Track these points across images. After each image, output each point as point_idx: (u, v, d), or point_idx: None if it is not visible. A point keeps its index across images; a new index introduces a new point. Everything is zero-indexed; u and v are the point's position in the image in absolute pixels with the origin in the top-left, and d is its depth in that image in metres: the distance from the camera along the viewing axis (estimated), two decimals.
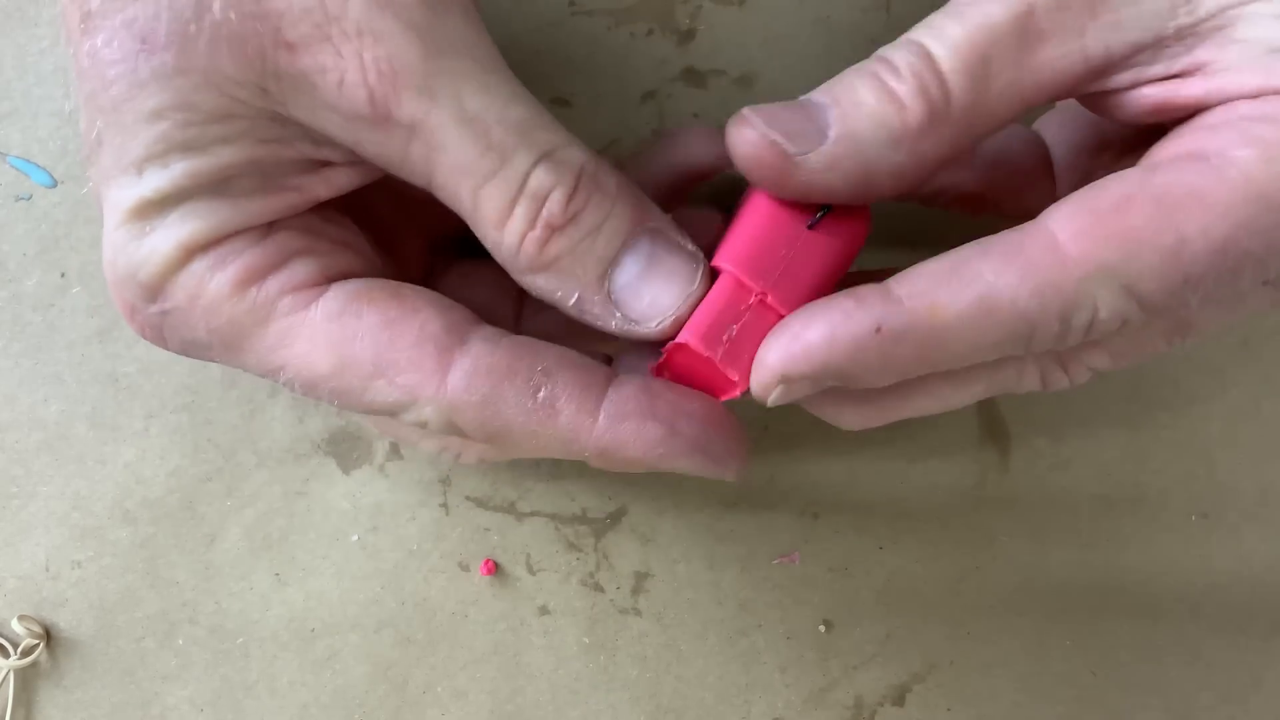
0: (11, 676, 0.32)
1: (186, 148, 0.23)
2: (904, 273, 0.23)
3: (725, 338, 0.25)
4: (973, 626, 0.34)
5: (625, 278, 0.25)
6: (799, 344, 0.23)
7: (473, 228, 0.24)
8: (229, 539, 0.33)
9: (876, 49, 0.24)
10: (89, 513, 0.33)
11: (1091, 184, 0.23)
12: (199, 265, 0.23)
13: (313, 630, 0.33)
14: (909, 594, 0.34)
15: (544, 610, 0.33)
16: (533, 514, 0.34)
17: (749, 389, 0.24)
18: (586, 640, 0.33)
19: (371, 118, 0.22)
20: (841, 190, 0.23)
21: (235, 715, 0.33)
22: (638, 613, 0.33)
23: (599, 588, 0.34)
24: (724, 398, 0.25)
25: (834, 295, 0.24)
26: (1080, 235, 0.22)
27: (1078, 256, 0.22)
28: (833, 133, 0.23)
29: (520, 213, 0.23)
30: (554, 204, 0.23)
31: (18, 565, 0.33)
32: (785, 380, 0.23)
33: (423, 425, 0.24)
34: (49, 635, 0.33)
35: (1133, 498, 0.34)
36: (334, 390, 0.24)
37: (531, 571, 0.33)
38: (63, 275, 0.33)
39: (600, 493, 0.34)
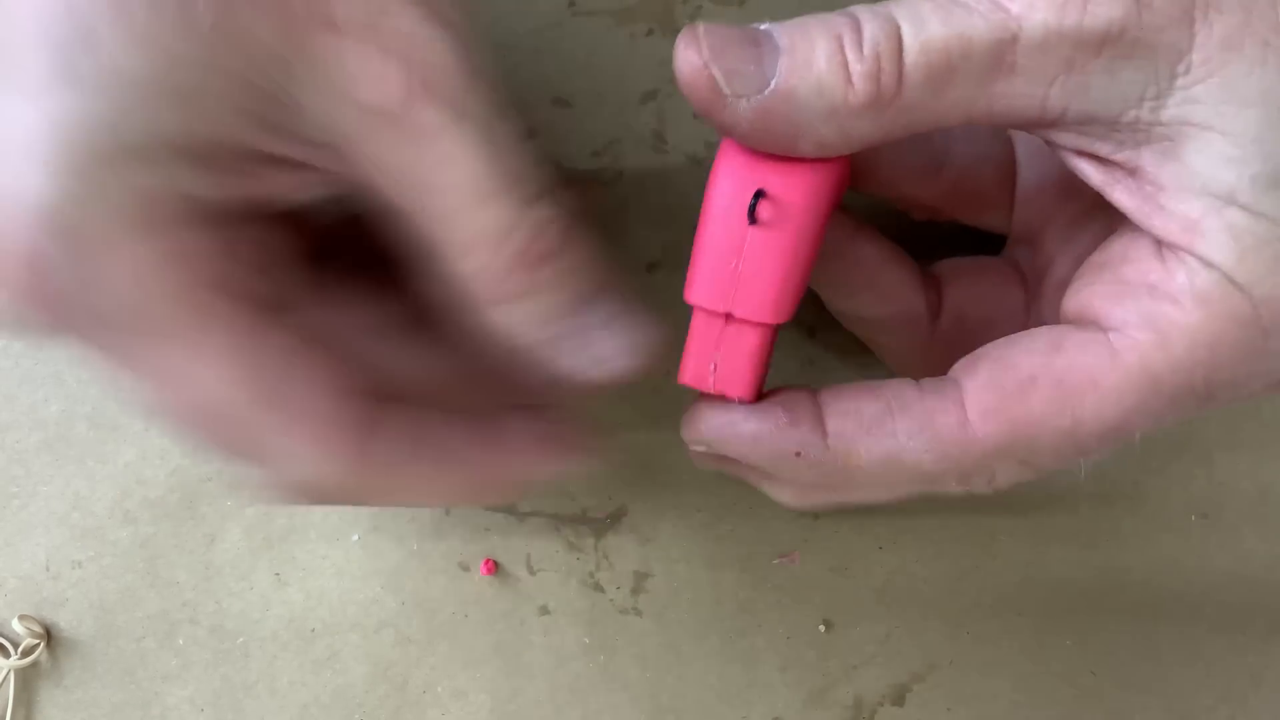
0: (12, 676, 0.32)
1: (181, 98, 0.20)
2: (839, 402, 0.25)
3: (713, 366, 0.26)
4: (972, 626, 0.34)
5: (597, 318, 0.25)
6: (729, 431, 0.26)
7: (442, 249, 0.23)
8: (229, 539, 0.33)
9: None
10: (89, 513, 0.33)
11: (1005, 347, 0.25)
12: (149, 229, 0.21)
13: (313, 630, 0.33)
14: (909, 594, 0.34)
15: (544, 610, 0.33)
16: (533, 514, 0.34)
17: (756, 396, 0.26)
18: (586, 640, 0.33)
19: (396, 115, 0.22)
20: (760, 140, 0.23)
21: (235, 715, 0.33)
22: (638, 613, 0.34)
23: (599, 588, 0.34)
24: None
25: (776, 399, 0.26)
26: (987, 415, 0.24)
27: (982, 437, 0.24)
28: (773, 84, 0.23)
29: (521, 234, 0.23)
30: (554, 231, 0.23)
31: (18, 565, 0.33)
32: (710, 449, 0.26)
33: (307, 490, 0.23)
34: (49, 635, 0.33)
35: (1132, 497, 0.34)
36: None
37: (531, 571, 0.33)
38: None
39: (600, 493, 0.34)
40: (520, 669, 0.33)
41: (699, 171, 0.33)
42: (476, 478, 0.25)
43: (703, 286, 0.25)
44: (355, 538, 0.33)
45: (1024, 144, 0.30)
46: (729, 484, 0.34)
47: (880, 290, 0.30)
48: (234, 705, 0.33)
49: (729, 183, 0.24)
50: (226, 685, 0.33)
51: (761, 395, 0.26)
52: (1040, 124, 0.23)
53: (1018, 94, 0.22)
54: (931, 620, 0.34)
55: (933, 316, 0.30)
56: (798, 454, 0.25)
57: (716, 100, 0.23)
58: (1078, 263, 0.27)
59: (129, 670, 0.33)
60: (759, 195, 0.24)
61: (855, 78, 0.22)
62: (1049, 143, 0.24)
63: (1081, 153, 0.24)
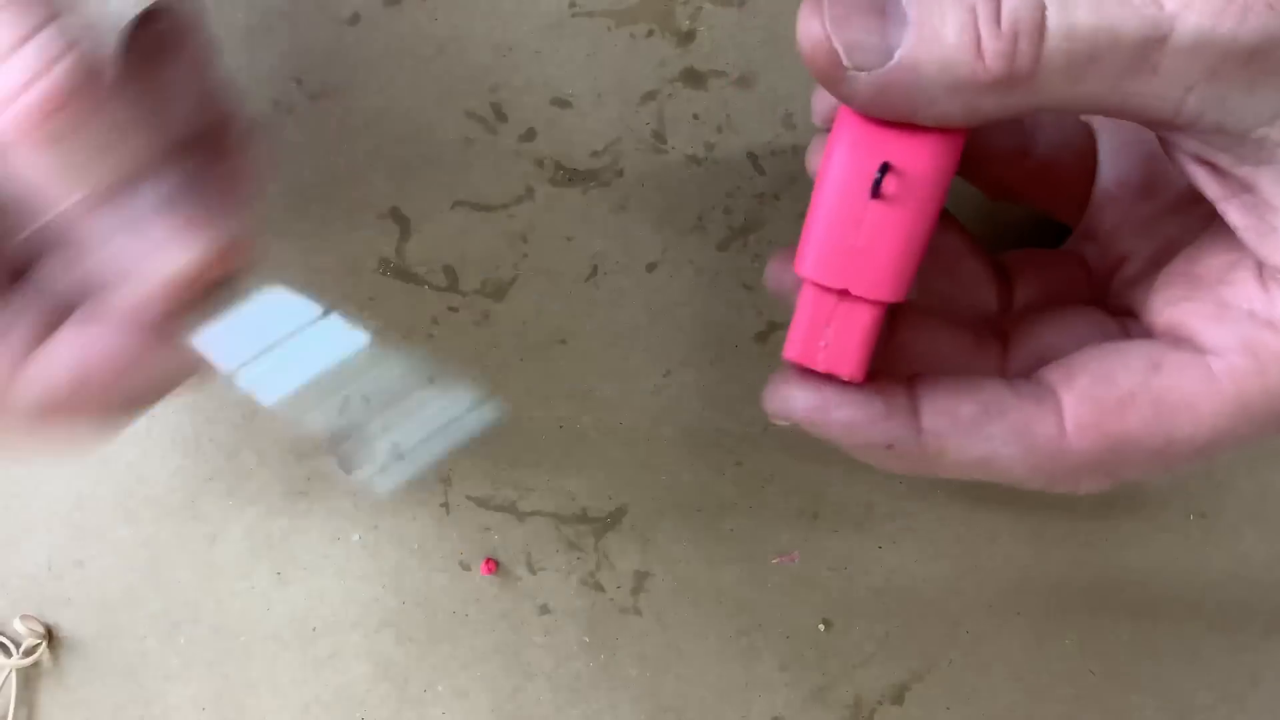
0: (14, 676, 0.33)
1: None
2: (936, 399, 0.25)
3: (823, 344, 0.25)
4: (971, 625, 0.34)
5: (139, 207, 0.22)
6: (823, 416, 0.25)
7: None
8: (231, 538, 0.33)
9: None
10: (91, 512, 0.33)
11: (1102, 360, 0.25)
12: None
13: (314, 629, 0.33)
14: (908, 593, 0.34)
15: (544, 609, 0.33)
16: (533, 513, 0.34)
17: (863, 375, 0.25)
18: (586, 639, 0.33)
19: None
20: (878, 112, 0.23)
21: (237, 714, 0.33)
22: (638, 612, 0.34)
23: (599, 587, 0.34)
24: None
25: (874, 388, 0.25)
26: (1084, 429, 0.24)
27: (1077, 450, 0.24)
28: (897, 55, 0.22)
29: (33, 52, 0.20)
30: (74, 66, 0.20)
31: (20, 565, 0.33)
32: (797, 426, 0.25)
33: None
34: (51, 634, 0.33)
35: (1131, 497, 0.34)
36: None
37: (532, 571, 0.34)
38: None
39: (600, 493, 0.34)
40: (520, 668, 0.33)
41: (699, 171, 0.33)
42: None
43: (819, 261, 0.24)
44: (356, 538, 0.33)
45: (1106, 139, 0.30)
46: (729, 484, 0.34)
47: (956, 279, 0.29)
48: (235, 704, 0.33)
49: (851, 153, 0.23)
50: (228, 684, 0.33)
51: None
52: (1168, 126, 0.23)
53: (1154, 94, 0.22)
54: (931, 620, 0.34)
55: (1003, 309, 0.30)
56: (889, 446, 0.25)
57: (836, 72, 0.22)
58: (1151, 263, 0.27)
59: (131, 669, 0.33)
60: (885, 169, 0.23)
61: (988, 55, 0.21)
62: (1166, 143, 0.24)
63: (1201, 160, 0.23)
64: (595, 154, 0.33)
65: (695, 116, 0.33)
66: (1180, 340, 0.25)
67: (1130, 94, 0.22)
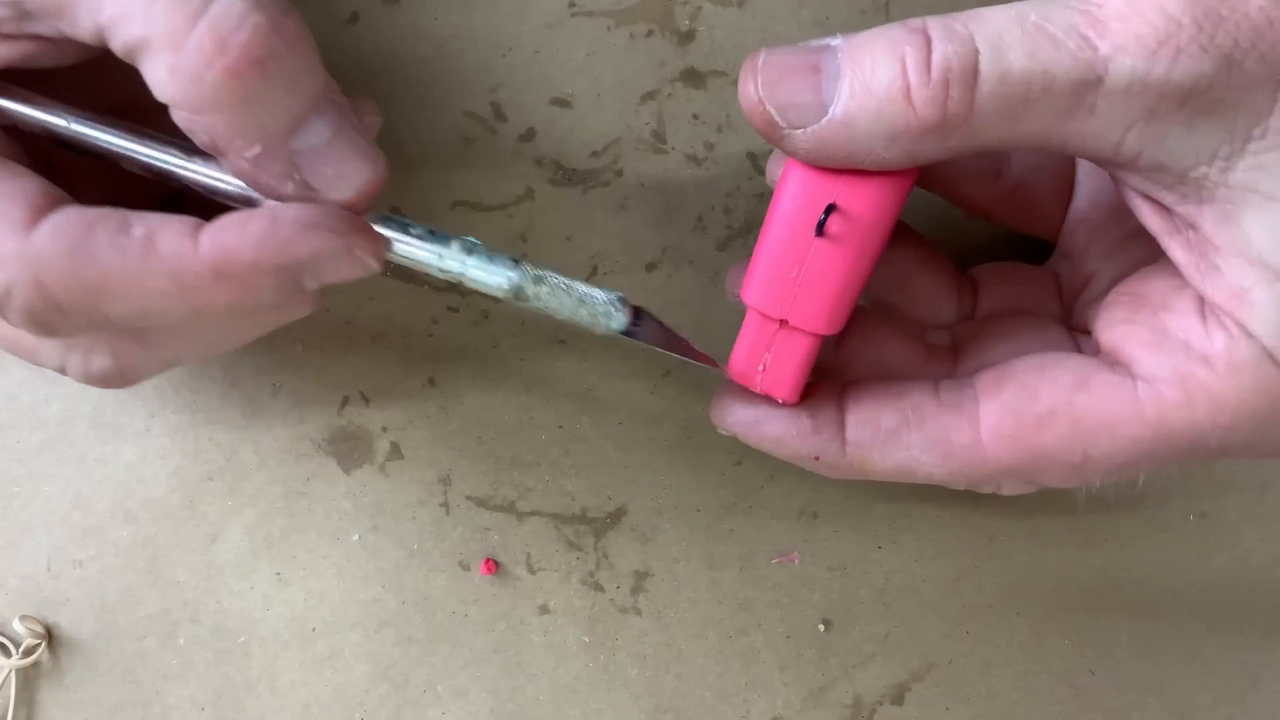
0: (13, 676, 0.33)
1: None
2: (861, 410, 0.26)
3: (761, 366, 0.26)
4: (971, 625, 0.34)
5: (311, 141, 0.23)
6: (754, 430, 0.27)
7: (138, 58, 0.22)
8: (230, 538, 0.33)
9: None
10: (90, 512, 0.33)
11: (1031, 372, 0.25)
12: None
13: (314, 629, 0.33)
14: (908, 593, 0.34)
15: (544, 609, 0.33)
16: (533, 513, 0.34)
17: (797, 399, 0.27)
18: (586, 639, 0.33)
19: None
20: (819, 162, 0.23)
21: (236, 714, 0.33)
22: (638, 612, 0.34)
23: (599, 587, 0.34)
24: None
25: (803, 405, 0.27)
26: (1000, 440, 0.25)
27: (992, 459, 0.25)
28: (831, 110, 0.22)
29: (205, 31, 0.21)
30: (251, 32, 0.22)
31: (19, 565, 0.33)
32: (735, 437, 0.28)
33: (5, 304, 0.23)
34: (51, 635, 0.33)
35: (1131, 497, 0.34)
36: None
37: (531, 571, 0.34)
38: None
39: (600, 493, 0.34)
40: (520, 668, 0.33)
41: (699, 171, 0.33)
42: (219, 263, 0.23)
43: (761, 291, 0.25)
44: (356, 538, 0.33)
45: (1084, 161, 0.30)
46: (729, 484, 0.34)
47: (911, 293, 0.30)
48: (235, 704, 0.33)
49: (800, 191, 0.24)
50: (227, 684, 0.33)
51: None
52: (1110, 163, 0.23)
53: (1093, 133, 0.22)
54: (931, 620, 0.34)
55: (964, 318, 0.30)
56: (817, 459, 0.27)
57: (774, 132, 0.23)
58: (1112, 285, 0.28)
59: (130, 670, 0.33)
60: (830, 209, 0.24)
61: (918, 103, 0.22)
62: (1114, 179, 0.24)
63: (1145, 196, 0.24)
64: (595, 154, 0.33)
65: (695, 116, 0.33)
66: (1115, 362, 0.25)
67: (1070, 133, 0.22)
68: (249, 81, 0.22)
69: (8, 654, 0.33)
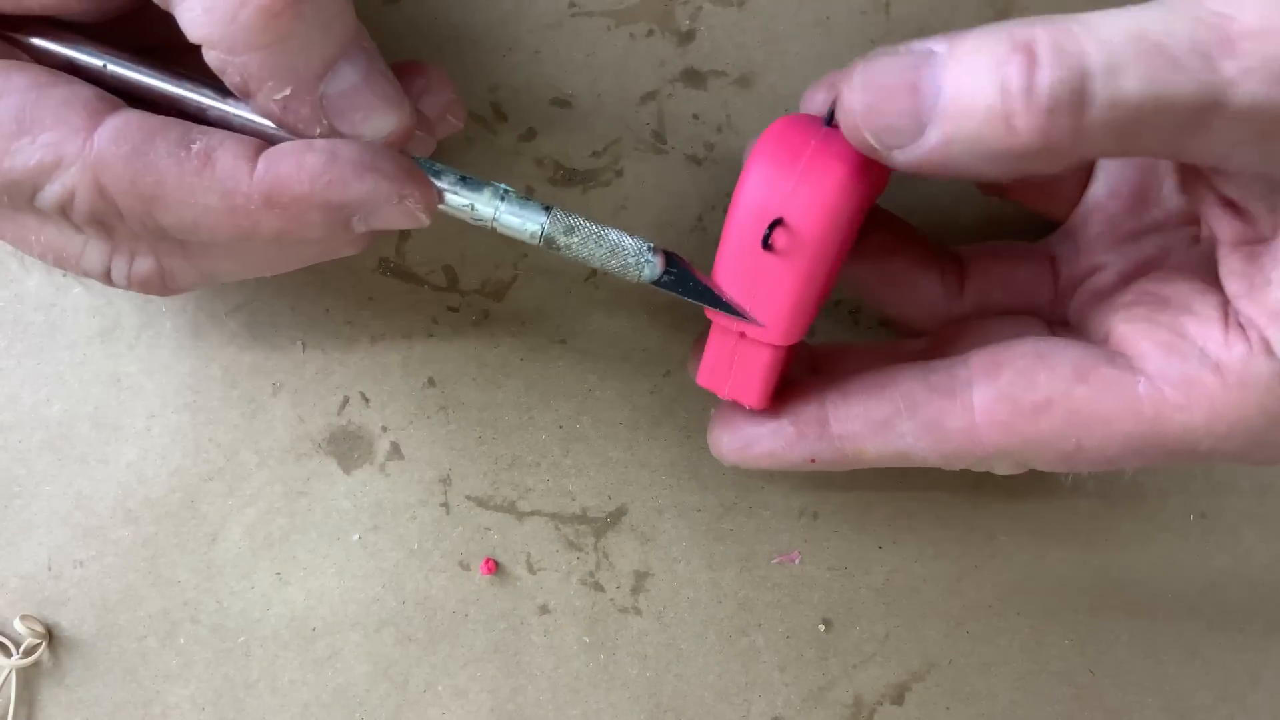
0: (14, 676, 0.33)
1: None
2: (847, 406, 0.26)
3: (729, 373, 0.26)
4: (972, 625, 0.34)
5: (340, 86, 0.24)
6: (747, 454, 0.27)
7: (172, 1, 0.23)
8: (230, 538, 0.33)
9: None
10: (91, 512, 0.33)
11: (1030, 359, 0.25)
12: None
13: (314, 629, 0.33)
14: (908, 593, 0.34)
15: (544, 609, 0.33)
16: (533, 513, 0.34)
17: (765, 404, 0.27)
18: (586, 639, 0.33)
19: None
20: (918, 174, 0.23)
21: (237, 714, 0.33)
22: (638, 612, 0.34)
23: (599, 587, 0.34)
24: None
25: (784, 413, 0.27)
26: (994, 425, 0.25)
27: (987, 442, 0.25)
28: (930, 134, 0.21)
29: None
30: None
31: (20, 565, 0.33)
32: (737, 466, 0.28)
33: (68, 206, 0.23)
34: (51, 635, 0.33)
35: (1131, 497, 0.34)
36: None
37: (532, 571, 0.34)
38: (64, 275, 0.33)
39: (600, 492, 0.34)
40: (520, 668, 0.33)
41: (699, 171, 0.33)
42: (260, 189, 0.23)
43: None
44: (356, 537, 0.33)
45: None
46: (729, 484, 0.34)
47: (890, 276, 0.30)
48: (235, 704, 0.33)
49: (748, 206, 0.24)
50: (228, 684, 0.33)
51: (774, 396, 0.27)
52: (1211, 171, 0.22)
53: (1201, 149, 0.21)
54: (931, 620, 0.34)
55: (951, 297, 0.30)
56: (812, 460, 0.27)
57: (872, 152, 0.22)
58: (1122, 278, 0.28)
59: (130, 669, 0.33)
60: (776, 224, 0.24)
61: (1021, 130, 0.20)
62: (1188, 179, 0.24)
63: (1227, 202, 0.23)
64: (595, 154, 0.33)
65: (695, 116, 0.33)
66: (1117, 355, 0.25)
67: (1179, 148, 0.21)
68: (283, 21, 0.22)
69: (8, 654, 0.33)
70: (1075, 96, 0.20)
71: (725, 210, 0.33)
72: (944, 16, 0.32)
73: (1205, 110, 0.20)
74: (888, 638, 0.34)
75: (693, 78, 0.33)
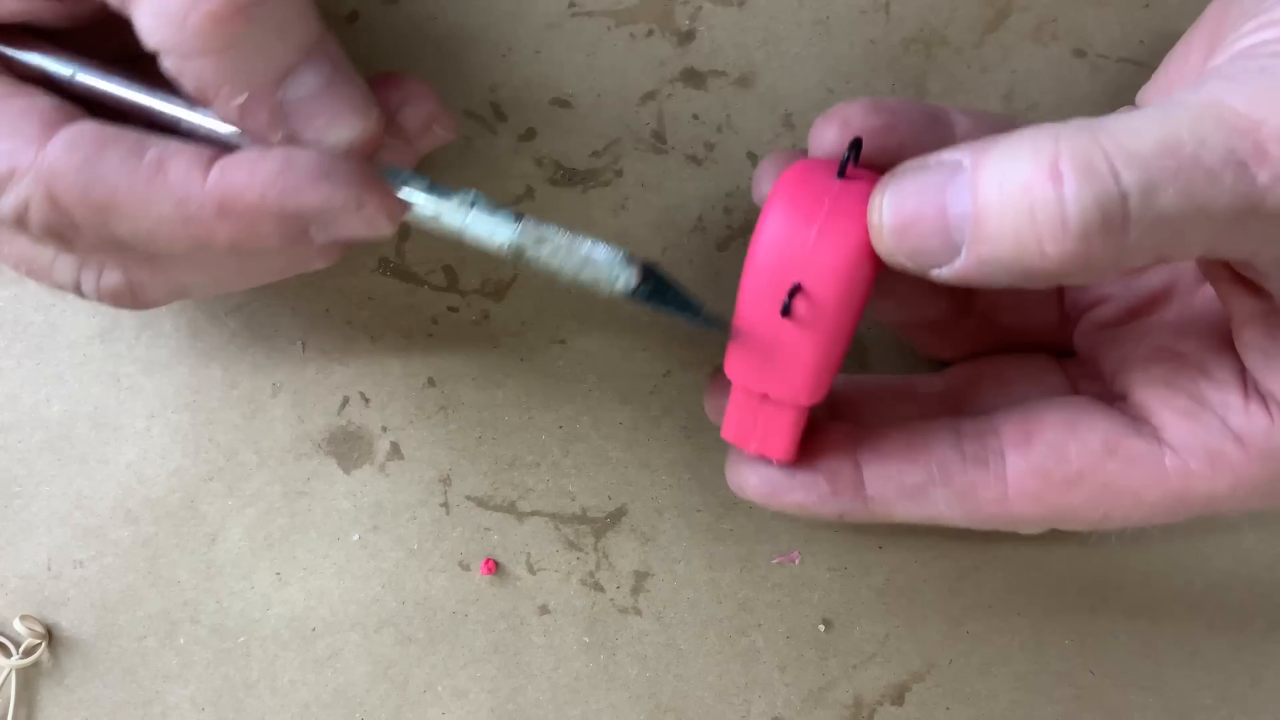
0: (14, 676, 0.33)
1: None
2: (881, 466, 0.26)
3: (754, 429, 0.26)
4: (972, 626, 0.34)
5: (300, 91, 0.23)
6: (774, 499, 0.27)
7: (128, 6, 0.22)
8: (230, 538, 0.33)
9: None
10: (91, 512, 0.33)
11: (1060, 432, 0.25)
12: None
13: (314, 629, 0.33)
14: (908, 593, 0.34)
15: (544, 610, 0.33)
16: (533, 514, 0.34)
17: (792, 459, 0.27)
18: (586, 640, 0.33)
19: None
20: (972, 286, 0.22)
21: (236, 714, 0.33)
22: (638, 612, 0.34)
23: (599, 587, 0.34)
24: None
25: (819, 468, 0.27)
26: (1026, 497, 0.25)
27: (1018, 512, 0.26)
28: (964, 254, 0.21)
29: None
30: None
31: (20, 565, 0.33)
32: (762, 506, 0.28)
33: (24, 217, 0.23)
34: (51, 635, 0.33)
35: None
36: None
37: (532, 571, 0.34)
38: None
39: (600, 492, 0.34)
40: (520, 669, 0.33)
41: (699, 171, 0.33)
42: (216, 199, 0.23)
43: (739, 367, 0.25)
44: (356, 537, 0.33)
45: None
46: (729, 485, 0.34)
47: (898, 297, 0.29)
48: (235, 704, 0.33)
49: (765, 270, 0.24)
50: (227, 684, 0.33)
51: (800, 447, 0.27)
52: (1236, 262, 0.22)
53: (1232, 248, 0.21)
54: (931, 620, 0.34)
55: (959, 314, 0.30)
56: (841, 516, 0.27)
57: (910, 270, 0.22)
58: (1128, 313, 0.28)
59: (130, 669, 0.33)
60: (795, 290, 0.23)
61: (1055, 254, 0.20)
62: (1203, 263, 0.24)
63: (1246, 282, 0.23)
64: (595, 154, 0.33)
65: (695, 116, 0.33)
66: (1142, 422, 0.25)
67: (1212, 249, 0.21)
68: (234, 26, 0.22)
69: (8, 654, 0.33)
70: (1111, 220, 0.19)
71: (725, 210, 0.33)
72: (944, 16, 0.32)
73: (1242, 216, 0.20)
74: (888, 638, 0.34)
75: (693, 78, 0.33)
